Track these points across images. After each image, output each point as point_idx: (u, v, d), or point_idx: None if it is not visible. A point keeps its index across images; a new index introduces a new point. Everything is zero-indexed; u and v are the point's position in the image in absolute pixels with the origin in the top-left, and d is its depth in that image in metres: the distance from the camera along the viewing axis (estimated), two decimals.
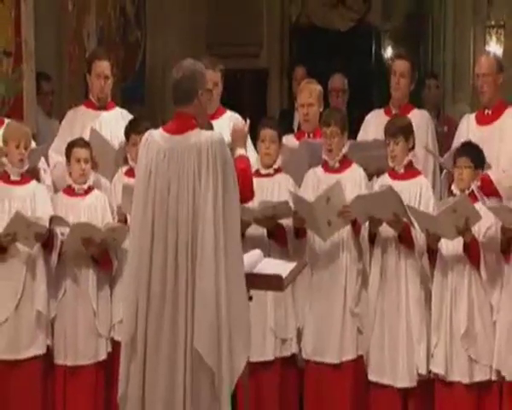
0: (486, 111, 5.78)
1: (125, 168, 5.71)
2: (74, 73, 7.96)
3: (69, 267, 5.44)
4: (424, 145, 5.84)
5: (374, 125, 6.02)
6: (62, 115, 6.29)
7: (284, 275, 4.42)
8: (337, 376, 5.41)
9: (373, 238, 5.36)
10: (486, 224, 5.08)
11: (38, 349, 5.36)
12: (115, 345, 5.34)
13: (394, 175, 5.39)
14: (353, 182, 5.45)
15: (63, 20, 7.92)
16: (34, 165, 5.61)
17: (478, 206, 5.05)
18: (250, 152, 5.67)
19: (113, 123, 6.05)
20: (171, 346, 4.18)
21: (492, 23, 10.69)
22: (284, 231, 5.45)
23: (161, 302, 4.19)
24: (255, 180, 4.90)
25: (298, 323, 5.52)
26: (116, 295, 5.51)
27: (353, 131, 5.95)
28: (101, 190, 5.70)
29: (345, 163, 5.52)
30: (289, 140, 5.98)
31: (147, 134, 4.38)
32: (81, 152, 5.51)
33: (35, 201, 5.40)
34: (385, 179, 5.43)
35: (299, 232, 5.49)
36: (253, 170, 5.42)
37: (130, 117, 5.98)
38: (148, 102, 9.64)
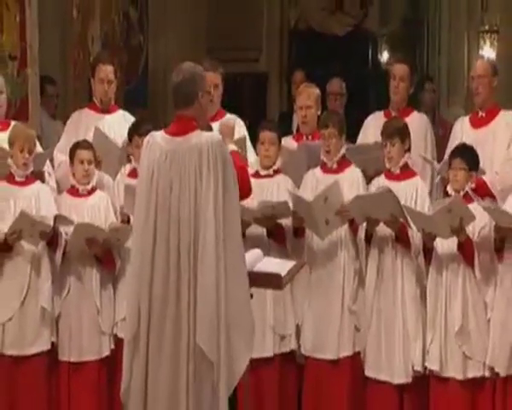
0: (480, 113, 5.82)
1: (127, 169, 5.74)
2: (79, 78, 8.00)
3: (73, 266, 5.48)
4: (423, 148, 5.88)
5: (373, 127, 6.02)
6: (67, 118, 6.32)
7: (283, 274, 4.46)
8: (335, 372, 5.44)
9: (369, 238, 5.39)
10: (480, 223, 5.12)
11: (43, 346, 5.40)
12: (118, 342, 5.37)
13: (390, 176, 5.43)
14: (351, 182, 5.49)
15: (68, 25, 7.97)
16: (39, 169, 5.63)
17: (472, 206, 5.08)
18: (250, 154, 5.79)
19: (116, 126, 6.06)
20: (173, 343, 4.18)
21: (486, 28, 10.75)
22: (283, 231, 5.49)
23: (164, 301, 4.20)
24: (255, 181, 4.95)
25: (297, 320, 5.55)
26: (119, 294, 5.54)
27: (351, 134, 5.97)
28: (103, 187, 5.73)
29: (343, 164, 5.57)
30: (288, 142, 6.00)
31: (149, 136, 4.39)
32: (84, 154, 5.54)
33: (39, 200, 5.43)
34: (381, 180, 5.47)
35: (298, 232, 5.53)
36: (253, 171, 5.49)
37: (133, 119, 6.00)
38: (151, 104, 9.66)
